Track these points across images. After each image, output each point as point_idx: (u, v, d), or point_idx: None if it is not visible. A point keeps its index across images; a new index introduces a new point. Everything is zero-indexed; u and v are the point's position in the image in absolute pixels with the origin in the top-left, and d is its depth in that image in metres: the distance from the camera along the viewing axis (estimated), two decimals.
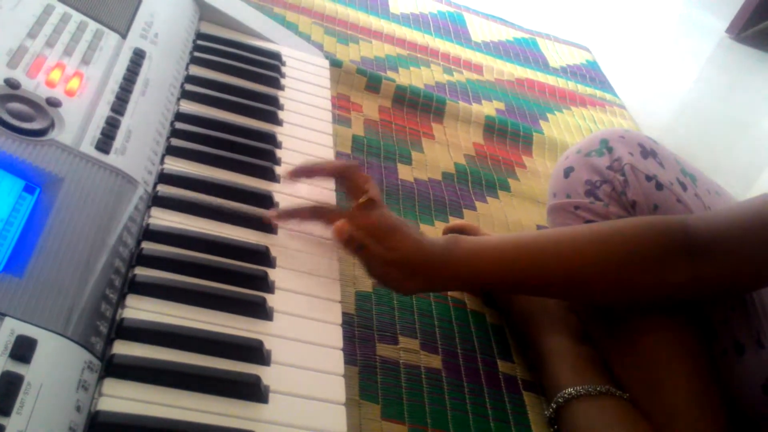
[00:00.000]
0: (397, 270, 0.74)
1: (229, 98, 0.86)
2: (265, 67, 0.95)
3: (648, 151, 0.87)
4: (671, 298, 0.80)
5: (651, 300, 0.80)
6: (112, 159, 0.65)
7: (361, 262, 0.75)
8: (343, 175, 0.78)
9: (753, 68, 2.50)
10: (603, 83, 1.85)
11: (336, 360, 0.64)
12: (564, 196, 0.89)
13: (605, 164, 0.87)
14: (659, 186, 0.85)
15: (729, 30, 2.59)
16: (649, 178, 0.85)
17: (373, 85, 1.35)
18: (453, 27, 1.79)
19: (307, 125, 0.90)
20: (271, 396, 0.57)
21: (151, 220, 0.66)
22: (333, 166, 0.80)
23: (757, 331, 0.78)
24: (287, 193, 0.77)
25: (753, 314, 0.79)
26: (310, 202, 0.77)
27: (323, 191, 0.81)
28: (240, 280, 0.65)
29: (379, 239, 0.73)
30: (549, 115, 1.56)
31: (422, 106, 1.36)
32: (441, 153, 1.27)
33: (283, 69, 0.97)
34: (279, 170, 0.80)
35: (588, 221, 0.86)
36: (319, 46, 1.38)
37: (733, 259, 0.73)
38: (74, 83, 0.69)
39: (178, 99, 0.82)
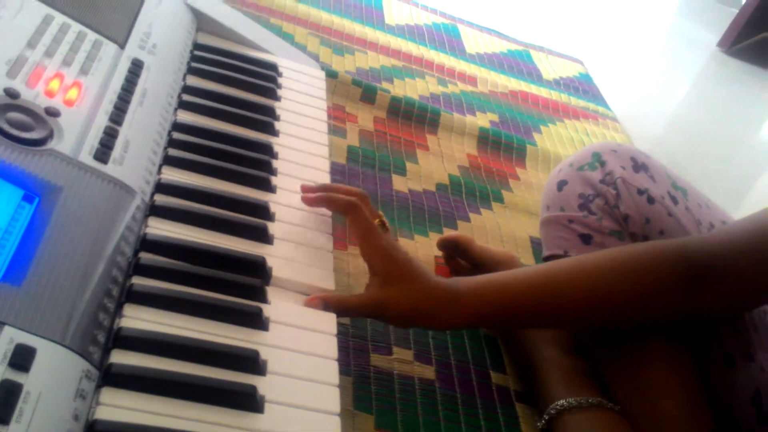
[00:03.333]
0: (398, 306, 0.73)
1: (226, 109, 0.86)
2: (262, 78, 0.95)
3: (640, 165, 0.88)
4: (674, 321, 0.81)
5: (652, 324, 0.81)
6: (110, 169, 0.65)
7: (384, 314, 0.74)
8: (348, 212, 0.76)
9: (744, 82, 2.52)
10: (596, 96, 1.86)
11: (331, 370, 0.64)
12: (557, 209, 0.89)
13: (598, 178, 0.87)
14: (651, 200, 0.85)
15: (720, 44, 2.62)
16: (640, 191, 0.86)
17: (368, 95, 1.36)
18: (448, 39, 1.81)
19: (304, 136, 0.90)
20: (266, 406, 0.58)
21: (149, 230, 0.66)
22: (344, 201, 0.76)
23: (747, 344, 0.79)
24: (284, 204, 0.78)
25: (742, 327, 0.79)
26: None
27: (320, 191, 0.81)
28: (237, 290, 0.65)
29: (380, 270, 0.73)
30: (542, 127, 1.58)
31: (417, 117, 1.37)
32: (435, 164, 1.28)
33: (280, 80, 0.98)
34: (275, 180, 0.80)
35: (581, 234, 0.87)
36: (315, 57, 1.39)
37: (733, 281, 0.74)
38: (73, 93, 0.70)
39: (176, 109, 0.83)
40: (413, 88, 1.49)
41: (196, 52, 0.94)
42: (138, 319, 0.58)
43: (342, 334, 0.82)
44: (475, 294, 0.76)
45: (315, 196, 0.77)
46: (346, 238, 0.98)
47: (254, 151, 0.82)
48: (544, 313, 0.79)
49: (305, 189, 0.79)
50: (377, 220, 0.76)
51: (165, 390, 0.54)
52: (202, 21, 0.99)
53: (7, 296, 0.50)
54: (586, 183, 0.88)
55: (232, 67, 0.94)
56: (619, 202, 0.85)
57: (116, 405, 0.52)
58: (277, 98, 0.94)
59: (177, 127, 0.80)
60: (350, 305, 0.72)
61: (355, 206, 0.74)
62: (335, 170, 1.12)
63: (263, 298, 0.66)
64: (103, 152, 0.66)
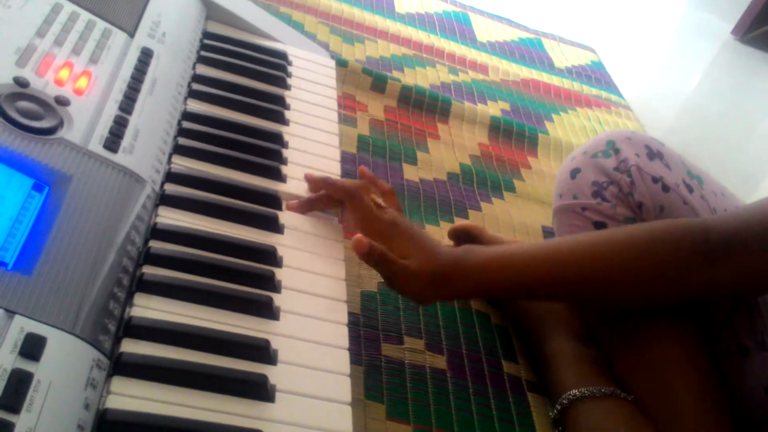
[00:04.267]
0: (417, 280, 0.74)
1: (236, 97, 0.86)
2: (272, 67, 0.95)
3: (654, 153, 0.87)
4: (691, 300, 0.80)
5: (669, 303, 0.80)
6: (120, 158, 0.65)
7: (381, 273, 0.74)
8: (348, 198, 0.76)
9: (758, 70, 2.50)
10: (608, 84, 1.85)
11: (342, 360, 0.64)
12: (571, 197, 0.89)
13: (612, 165, 0.87)
14: (665, 188, 0.85)
15: (734, 31, 2.59)
16: (655, 179, 0.85)
17: (378, 84, 1.35)
18: (458, 27, 1.79)
19: (313, 125, 0.90)
20: (277, 395, 0.57)
21: (159, 219, 0.66)
22: (338, 188, 0.77)
23: (762, 334, 0.78)
24: (294, 193, 0.77)
25: (757, 317, 0.79)
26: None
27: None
28: (247, 279, 0.65)
29: (392, 247, 0.73)
30: (554, 116, 1.57)
31: (428, 106, 1.36)
32: (446, 153, 1.27)
33: (290, 68, 0.98)
34: (285, 169, 0.80)
35: (595, 222, 0.86)
36: (325, 46, 1.39)
37: (753, 260, 0.73)
38: (83, 82, 0.69)
39: (186, 98, 0.82)
40: (424, 77, 1.48)
41: (206, 41, 0.94)
42: (148, 308, 0.58)
43: (353, 324, 0.81)
44: (487, 263, 0.76)
45: (313, 180, 0.79)
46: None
47: (264, 141, 0.82)
48: (560, 288, 0.79)
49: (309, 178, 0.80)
50: (373, 204, 0.76)
51: (175, 379, 0.54)
52: (211, 10, 0.99)
53: (17, 285, 0.50)
54: (600, 171, 0.87)
55: (241, 56, 0.93)
56: (633, 189, 0.85)
57: (127, 394, 0.52)
58: (287, 87, 0.94)
59: (187, 116, 0.80)
60: (389, 260, 0.72)
61: (352, 194, 0.75)
62: (346, 159, 1.12)
63: (274, 288, 0.66)
64: (113, 141, 0.66)
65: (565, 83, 1.74)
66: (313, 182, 0.79)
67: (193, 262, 0.64)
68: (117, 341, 0.55)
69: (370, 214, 0.75)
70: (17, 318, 0.48)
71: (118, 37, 0.78)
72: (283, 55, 0.99)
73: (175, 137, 0.76)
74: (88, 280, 0.55)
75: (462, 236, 1.01)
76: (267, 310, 0.63)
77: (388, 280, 0.74)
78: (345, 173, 0.86)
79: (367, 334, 0.84)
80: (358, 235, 0.71)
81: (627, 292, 0.78)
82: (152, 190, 0.67)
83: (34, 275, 0.52)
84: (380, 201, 0.76)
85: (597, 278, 0.77)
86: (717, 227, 0.75)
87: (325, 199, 0.77)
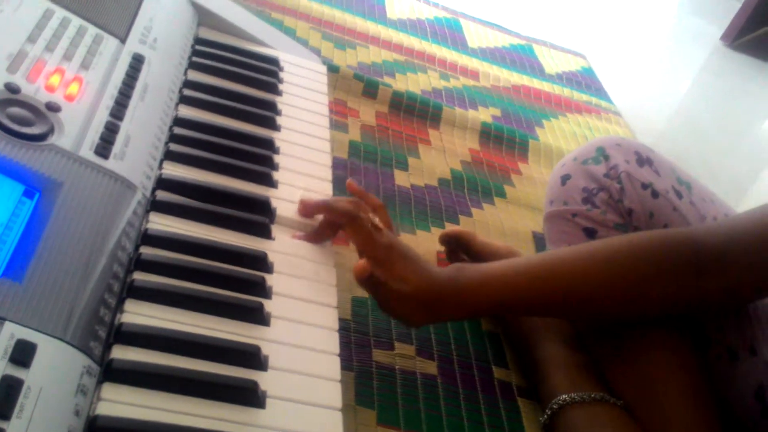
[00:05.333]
0: (409, 304, 0.74)
1: (228, 103, 0.86)
2: (264, 73, 0.95)
3: (644, 159, 0.88)
4: (680, 311, 0.80)
5: (659, 315, 0.80)
6: (111, 164, 0.65)
7: (375, 298, 0.75)
8: (344, 223, 0.75)
9: (747, 75, 2.52)
10: (598, 90, 1.86)
11: (332, 365, 0.64)
12: (561, 204, 0.89)
13: (602, 172, 0.87)
14: (655, 194, 0.85)
15: (724, 38, 2.61)
16: (645, 186, 0.85)
17: (370, 90, 1.35)
18: (450, 33, 1.80)
19: (305, 131, 0.90)
20: (268, 401, 0.57)
21: (150, 225, 0.66)
22: (337, 211, 0.76)
23: (750, 338, 0.78)
24: (285, 199, 0.77)
25: (746, 321, 0.79)
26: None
27: (319, 196, 0.81)
28: (238, 285, 0.65)
29: (387, 270, 0.73)
30: (545, 122, 1.57)
31: (419, 112, 1.37)
32: (437, 159, 1.28)
33: (281, 74, 0.98)
34: (277, 175, 0.80)
35: (585, 228, 0.86)
36: (317, 52, 1.39)
37: (741, 271, 0.74)
38: (74, 88, 0.69)
39: (177, 104, 0.82)
40: (415, 83, 1.49)
41: (198, 47, 0.94)
42: (139, 314, 0.58)
43: (343, 330, 0.82)
44: (477, 287, 0.76)
45: (313, 204, 0.77)
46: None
47: (255, 146, 0.82)
48: (550, 303, 0.79)
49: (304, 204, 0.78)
50: (369, 225, 0.75)
51: (166, 385, 0.54)
52: (203, 15, 0.99)
53: (7, 292, 0.50)
54: (590, 177, 0.88)
55: (233, 62, 0.94)
56: (623, 196, 0.85)
57: (117, 400, 0.52)
58: (278, 93, 0.94)
59: (178, 122, 0.80)
60: (387, 286, 0.72)
61: (351, 218, 0.74)
62: (337, 165, 1.12)
63: (265, 294, 0.66)
64: (104, 147, 0.66)
65: (556, 89, 1.75)
66: (311, 208, 0.77)
67: (183, 268, 0.64)
68: (107, 348, 0.55)
69: (369, 238, 0.74)
70: (7, 324, 0.48)
71: (110, 43, 0.78)
72: (274, 61, 0.99)
73: (167, 143, 0.76)
74: (78, 286, 0.55)
75: (453, 242, 1.01)
76: (258, 316, 0.63)
77: (381, 303, 0.75)
78: (336, 179, 0.86)
79: (357, 339, 0.84)
80: (362, 261, 0.71)
81: (617, 306, 0.79)
82: (143, 196, 0.67)
83: (25, 282, 0.51)
84: (377, 221, 0.76)
85: (588, 294, 0.77)
86: (704, 239, 0.75)
87: (327, 225, 0.76)
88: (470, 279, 0.76)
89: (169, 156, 0.74)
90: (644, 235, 0.81)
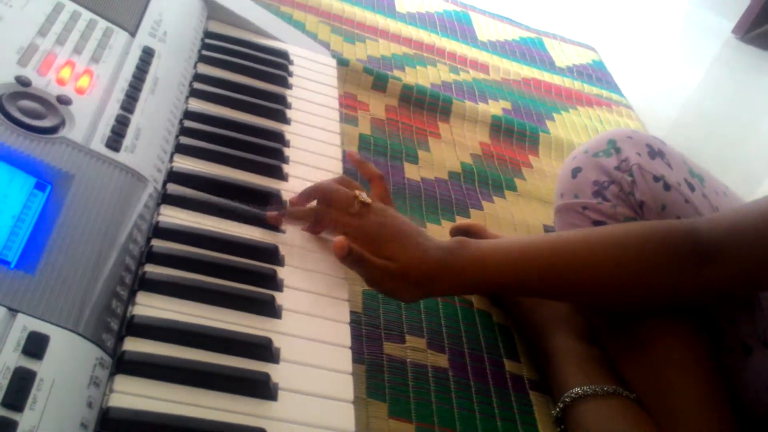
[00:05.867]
0: (397, 280, 0.73)
1: (238, 97, 0.86)
2: (273, 66, 0.95)
3: (656, 152, 0.87)
4: (680, 302, 0.80)
5: (659, 304, 0.80)
6: (122, 157, 0.65)
7: (359, 275, 0.73)
8: (323, 198, 0.74)
9: (759, 68, 2.50)
10: (609, 83, 1.85)
11: (344, 358, 0.64)
12: (572, 197, 0.89)
13: (613, 165, 0.87)
14: (667, 187, 0.85)
15: (735, 30, 2.59)
16: (656, 178, 0.85)
17: (379, 84, 1.35)
18: (459, 26, 1.79)
19: (315, 124, 0.90)
20: (280, 393, 0.57)
21: (161, 218, 0.66)
22: (306, 192, 0.75)
23: (764, 332, 0.78)
24: (296, 192, 0.77)
25: (759, 315, 0.79)
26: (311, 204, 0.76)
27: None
28: (249, 278, 0.65)
29: (378, 248, 0.72)
30: (555, 115, 1.57)
31: (429, 105, 1.36)
32: (447, 152, 1.27)
33: (291, 68, 0.98)
34: (287, 168, 0.80)
35: (596, 222, 0.86)
36: (326, 45, 1.39)
37: (742, 262, 0.73)
38: (84, 81, 0.69)
39: (187, 97, 0.82)
40: (425, 76, 1.48)
41: (207, 40, 0.94)
42: (151, 306, 0.58)
43: (355, 323, 0.81)
44: (478, 264, 0.75)
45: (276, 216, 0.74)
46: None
47: (266, 139, 0.82)
48: (550, 285, 0.78)
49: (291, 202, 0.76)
50: (355, 206, 0.74)
51: (178, 377, 0.54)
52: (212, 9, 0.99)
53: (20, 284, 0.50)
54: (601, 170, 0.87)
55: (243, 55, 0.93)
56: (634, 188, 0.85)
57: (130, 392, 0.52)
58: (288, 86, 0.94)
59: (188, 115, 0.80)
60: (366, 261, 0.71)
61: (319, 214, 0.73)
62: (347, 159, 1.12)
63: (276, 286, 0.66)
64: (115, 140, 0.66)
65: (566, 82, 1.74)
66: (296, 199, 0.76)
67: (195, 261, 0.64)
68: (120, 340, 0.55)
69: (347, 216, 0.73)
70: (20, 316, 0.48)
71: (120, 36, 0.78)
72: (284, 55, 0.99)
73: (177, 136, 0.76)
74: (90, 278, 0.55)
75: (464, 235, 1.00)
76: (269, 309, 0.63)
77: (368, 281, 0.74)
78: (346, 172, 0.86)
79: (369, 332, 0.84)
80: (339, 238, 0.69)
81: (616, 291, 0.78)
82: (154, 188, 0.67)
83: (37, 274, 0.52)
84: (364, 196, 0.74)
85: (588, 276, 0.77)
86: (706, 229, 0.75)
87: (315, 211, 0.74)
88: (471, 255, 0.75)
89: (180, 149, 0.74)
90: (647, 223, 0.81)
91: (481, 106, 1.44)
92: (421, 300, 0.88)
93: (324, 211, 0.73)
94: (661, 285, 0.77)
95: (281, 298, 0.65)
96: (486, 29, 1.84)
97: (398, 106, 1.34)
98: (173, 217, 0.67)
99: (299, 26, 1.44)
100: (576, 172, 0.89)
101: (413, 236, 0.74)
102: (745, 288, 0.78)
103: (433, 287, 0.75)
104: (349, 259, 0.70)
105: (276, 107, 0.88)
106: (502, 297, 0.96)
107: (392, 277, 0.72)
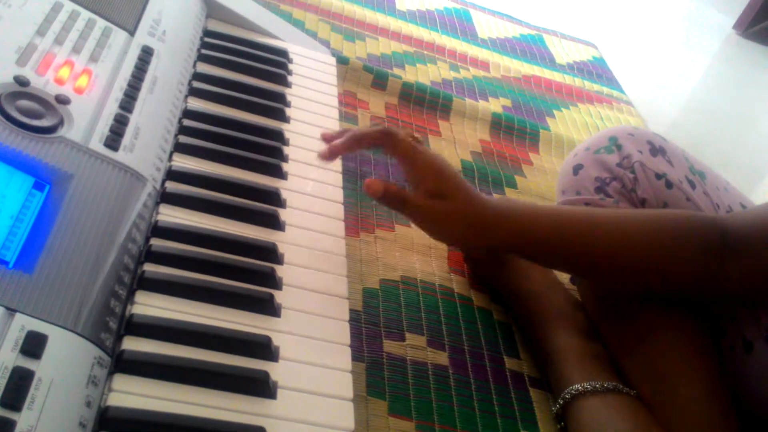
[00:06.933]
0: (449, 222, 0.72)
1: (237, 95, 0.86)
2: (273, 65, 0.95)
3: (657, 149, 0.87)
4: (698, 293, 0.80)
5: (678, 292, 0.80)
6: (120, 156, 0.65)
7: (403, 214, 0.73)
8: (383, 141, 0.73)
9: (760, 64, 2.49)
10: (610, 80, 1.85)
11: (344, 356, 0.64)
12: (573, 193, 0.89)
13: (615, 161, 0.86)
14: (669, 184, 0.84)
15: (736, 26, 2.58)
16: (658, 176, 0.85)
17: (379, 82, 1.35)
18: (459, 24, 1.79)
19: (315, 122, 0.90)
20: (279, 392, 0.58)
21: (160, 217, 0.66)
22: (374, 132, 0.74)
23: (765, 329, 0.78)
24: (295, 190, 0.77)
25: (761, 312, 0.78)
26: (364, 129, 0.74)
27: (329, 187, 0.81)
28: (248, 276, 0.65)
29: (437, 183, 0.71)
30: (556, 112, 1.56)
31: (429, 103, 1.36)
32: (448, 150, 1.27)
33: (291, 66, 0.98)
34: (286, 167, 0.80)
35: None
36: (326, 43, 1.38)
37: (762, 260, 0.73)
38: (83, 80, 0.69)
39: (186, 96, 0.83)
40: (425, 74, 1.48)
41: (207, 39, 0.94)
42: (150, 305, 0.59)
43: (354, 321, 0.81)
44: (527, 217, 0.76)
45: (342, 143, 0.73)
46: (358, 225, 0.98)
47: (265, 138, 0.82)
48: (590, 253, 0.78)
49: (326, 137, 0.75)
50: (411, 138, 0.74)
51: (177, 376, 0.55)
52: (212, 8, 0.99)
53: (18, 283, 0.50)
54: (602, 167, 0.87)
55: (242, 54, 0.93)
56: (636, 186, 0.84)
57: (128, 391, 0.52)
58: (288, 85, 0.94)
59: (187, 114, 0.80)
60: (409, 201, 0.71)
61: (388, 134, 0.72)
62: (347, 157, 1.12)
63: (275, 285, 0.66)
64: (114, 139, 0.66)
65: (567, 79, 1.74)
66: (340, 147, 0.74)
67: (194, 260, 0.64)
68: (118, 339, 0.55)
69: (414, 149, 0.71)
70: (18, 316, 0.48)
71: (119, 35, 0.78)
72: (283, 53, 0.99)
73: (176, 135, 0.76)
74: (89, 278, 0.55)
75: None
76: (268, 307, 0.63)
77: (414, 219, 0.73)
78: (346, 170, 0.86)
79: (368, 330, 0.84)
80: (369, 179, 0.69)
81: (642, 272, 0.79)
82: (153, 188, 0.67)
83: (35, 273, 0.52)
84: (417, 135, 0.74)
85: (620, 254, 0.77)
86: (731, 225, 0.75)
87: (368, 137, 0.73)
88: (520, 208, 0.76)
89: (179, 148, 0.74)
90: (680, 211, 0.82)
91: (482, 103, 1.44)
92: (466, 246, 0.86)
93: (393, 132, 0.72)
94: (687, 272, 0.77)
95: (280, 296, 0.65)
96: (486, 26, 1.84)
97: (398, 104, 1.34)
98: (172, 216, 0.67)
99: (299, 24, 1.44)
100: (578, 168, 0.89)
101: (465, 182, 0.73)
102: (763, 287, 0.78)
103: (483, 234, 0.74)
104: (387, 197, 0.70)
105: (275, 106, 0.88)
106: (502, 294, 0.96)
107: (441, 217, 0.72)
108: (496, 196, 1.20)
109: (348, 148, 0.74)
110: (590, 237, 0.77)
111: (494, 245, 0.83)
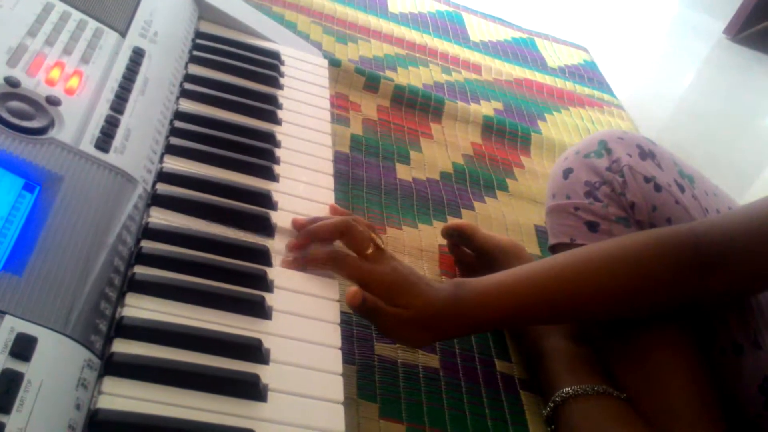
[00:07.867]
0: (410, 327, 0.74)
1: (229, 97, 0.86)
2: (265, 66, 0.95)
3: (646, 153, 0.87)
4: (682, 306, 0.80)
5: (661, 311, 0.80)
6: (111, 158, 0.65)
7: (372, 323, 0.75)
8: (342, 233, 0.74)
9: (750, 69, 2.51)
10: (601, 83, 1.85)
11: (334, 359, 0.64)
12: (563, 197, 0.89)
13: (604, 165, 0.87)
14: (658, 187, 0.85)
15: (726, 31, 2.60)
16: (647, 179, 0.85)
17: (371, 84, 1.35)
18: (451, 26, 1.79)
19: (306, 124, 0.90)
20: (269, 395, 0.57)
21: (151, 219, 0.66)
22: (331, 225, 0.73)
23: (755, 332, 0.78)
24: (287, 192, 0.77)
25: (750, 315, 0.79)
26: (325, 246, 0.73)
27: (321, 190, 0.81)
28: (239, 279, 0.65)
29: (391, 298, 0.72)
30: (547, 115, 1.57)
31: (421, 106, 1.36)
32: (439, 153, 1.27)
33: (282, 68, 0.98)
34: (278, 169, 0.80)
35: (588, 222, 0.86)
36: (318, 46, 1.38)
37: (741, 266, 0.73)
38: (74, 82, 0.69)
39: (178, 98, 0.82)
40: (417, 77, 1.48)
41: (198, 41, 0.93)
42: (140, 308, 0.58)
43: (345, 323, 0.81)
44: (479, 302, 0.76)
45: (298, 242, 0.72)
46: None
47: (256, 140, 0.81)
48: (553, 312, 0.79)
49: (297, 224, 0.74)
50: (369, 248, 0.74)
51: (167, 379, 0.54)
52: (203, 9, 0.99)
53: (8, 285, 0.50)
54: (592, 170, 0.87)
55: (234, 56, 0.93)
56: (625, 189, 0.85)
57: (118, 394, 0.52)
58: (279, 87, 0.93)
59: (179, 115, 0.80)
60: (378, 310, 0.72)
61: (335, 260, 0.72)
62: (338, 159, 1.12)
63: (266, 287, 0.66)
64: (105, 141, 0.66)
65: (558, 83, 1.74)
66: (300, 226, 0.74)
67: (184, 262, 0.63)
68: (108, 341, 0.55)
69: (360, 270, 0.72)
70: (8, 318, 0.48)
71: (110, 36, 0.78)
72: (275, 55, 0.99)
73: (167, 137, 0.76)
74: (79, 280, 0.54)
75: (455, 235, 1.01)
76: (259, 310, 0.63)
77: (381, 328, 0.75)
78: (338, 172, 0.86)
79: (359, 333, 0.84)
80: (354, 288, 0.70)
81: (617, 307, 0.79)
82: (144, 190, 0.67)
83: (25, 275, 0.51)
84: (379, 240, 0.75)
85: (590, 299, 0.77)
86: (705, 234, 0.75)
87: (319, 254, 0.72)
88: (469, 296, 0.76)
89: (170, 150, 0.74)
90: (642, 235, 0.80)
91: (473, 106, 1.44)
92: (433, 343, 0.88)
93: (342, 256, 0.72)
94: (664, 296, 0.78)
95: (271, 299, 0.65)
96: (478, 30, 1.84)
97: (390, 106, 1.34)
98: (163, 218, 0.67)
99: (291, 26, 1.44)
100: (567, 172, 0.89)
101: (420, 283, 0.75)
102: (748, 289, 0.78)
103: (443, 330, 0.77)
104: (364, 308, 0.71)
105: (267, 108, 0.87)
106: None
107: (405, 325, 0.73)
108: (487, 200, 1.21)
109: (304, 247, 0.72)
110: (545, 294, 0.77)
111: (460, 335, 0.87)
